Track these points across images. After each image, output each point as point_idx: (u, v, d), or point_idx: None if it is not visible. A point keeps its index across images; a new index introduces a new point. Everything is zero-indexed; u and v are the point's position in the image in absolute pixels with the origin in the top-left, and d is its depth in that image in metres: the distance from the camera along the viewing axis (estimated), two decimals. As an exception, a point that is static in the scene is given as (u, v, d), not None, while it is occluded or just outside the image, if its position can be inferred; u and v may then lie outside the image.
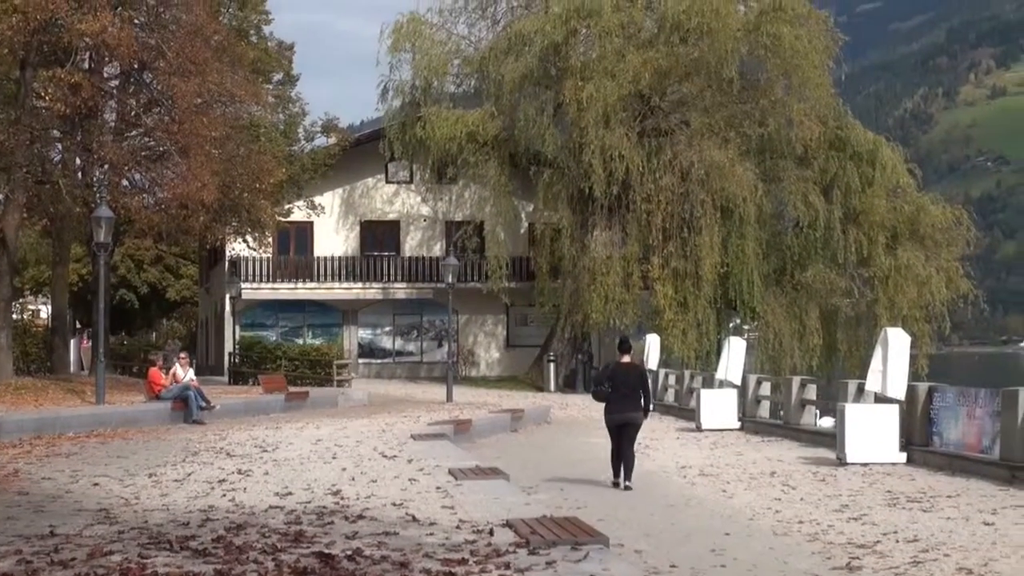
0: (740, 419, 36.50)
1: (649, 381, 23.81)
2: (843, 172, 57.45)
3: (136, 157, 39.58)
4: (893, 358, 25.21)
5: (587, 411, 40.83)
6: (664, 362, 50.34)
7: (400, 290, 64.28)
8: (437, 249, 64.43)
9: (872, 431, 25.18)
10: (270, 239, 53.71)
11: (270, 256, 61.28)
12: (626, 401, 21.79)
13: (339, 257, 64.28)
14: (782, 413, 35.47)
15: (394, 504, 15.42)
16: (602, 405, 22.31)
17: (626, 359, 22.26)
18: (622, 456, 21.80)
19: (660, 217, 55.25)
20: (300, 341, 60.95)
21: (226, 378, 55.42)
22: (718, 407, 36.53)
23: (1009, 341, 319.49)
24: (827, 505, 18.89)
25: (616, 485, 21.72)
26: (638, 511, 18.24)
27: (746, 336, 52.49)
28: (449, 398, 45.28)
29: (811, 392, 34.35)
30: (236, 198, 42.33)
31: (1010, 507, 18.53)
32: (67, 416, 29.65)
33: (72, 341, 55.25)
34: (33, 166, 39.43)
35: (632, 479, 21.67)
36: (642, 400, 21.97)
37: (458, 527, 13.21)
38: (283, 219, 53.80)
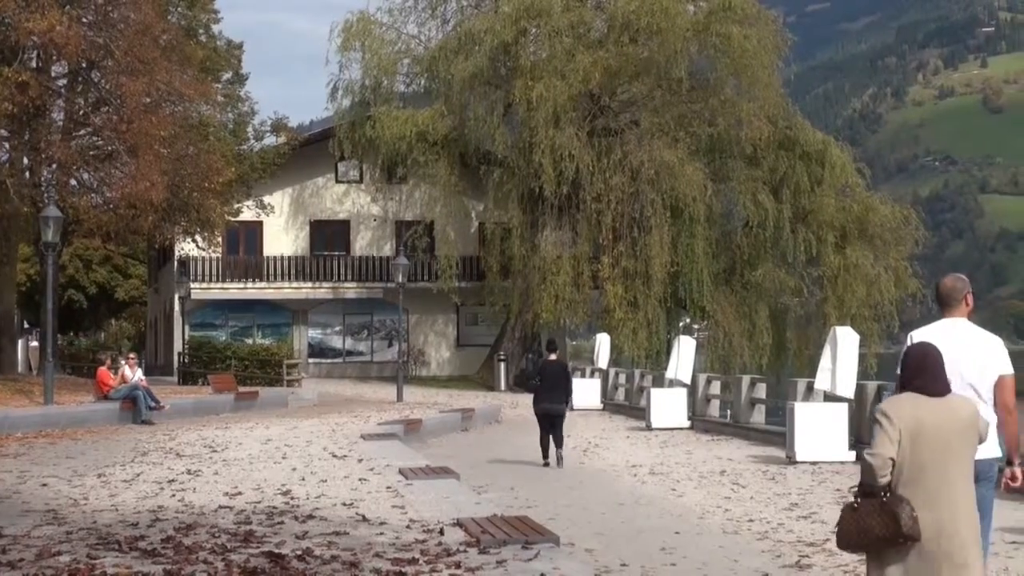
0: (690, 418, 36.50)
1: (572, 377, 27.02)
2: (792, 172, 57.51)
3: (84, 156, 39.34)
4: (842, 357, 25.26)
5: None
6: (614, 361, 50.48)
7: (350, 290, 64.19)
8: (387, 249, 64.31)
9: (821, 430, 25.25)
10: (219, 239, 53.54)
11: (219, 256, 61.11)
12: (551, 393, 24.96)
13: (289, 257, 64.13)
14: (731, 412, 35.55)
15: (344, 504, 15.40)
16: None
17: (553, 357, 25.42)
18: (552, 437, 24.87)
19: (610, 216, 55.39)
20: (250, 341, 60.71)
21: (175, 378, 55.21)
22: (668, 406, 36.53)
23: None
24: (777, 503, 18.94)
25: (546, 464, 24.75)
26: (588, 510, 18.25)
27: (696, 335, 52.61)
28: (400, 398, 45.21)
29: (760, 391, 34.40)
30: (185, 197, 42.16)
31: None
32: (15, 416, 29.41)
33: (20, 341, 54.88)
34: (-20, 165, 39.19)
35: (563, 456, 24.96)
36: (565, 392, 25.30)
37: (408, 527, 13.21)
38: (232, 219, 53.55)
